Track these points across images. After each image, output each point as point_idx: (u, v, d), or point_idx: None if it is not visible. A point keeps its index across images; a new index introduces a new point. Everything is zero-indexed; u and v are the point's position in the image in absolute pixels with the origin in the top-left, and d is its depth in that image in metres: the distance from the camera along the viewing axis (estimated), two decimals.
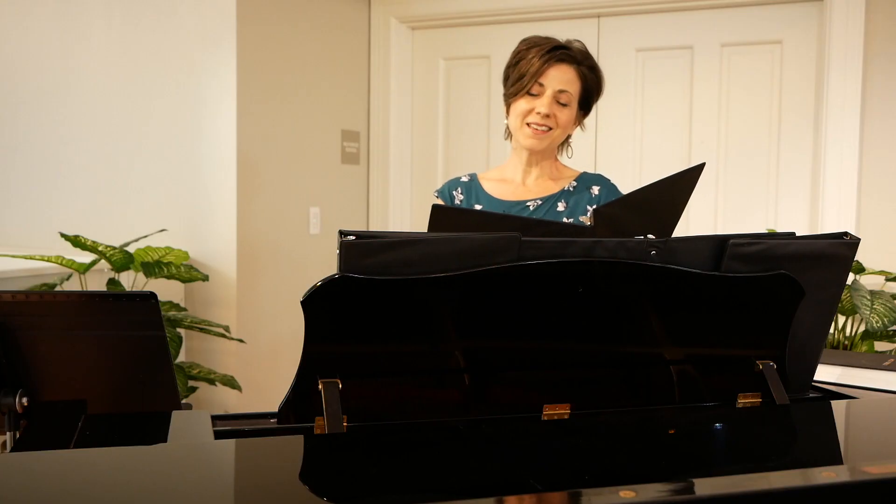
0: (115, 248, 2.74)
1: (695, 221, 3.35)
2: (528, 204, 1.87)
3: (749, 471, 0.98)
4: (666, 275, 1.19)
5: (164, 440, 1.06)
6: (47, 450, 1.03)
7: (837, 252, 1.29)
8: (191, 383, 2.84)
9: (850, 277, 2.78)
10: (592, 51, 3.48)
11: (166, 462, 0.96)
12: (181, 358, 2.91)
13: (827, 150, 3.10)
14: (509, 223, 1.50)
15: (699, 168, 1.53)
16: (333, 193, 3.58)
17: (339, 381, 1.10)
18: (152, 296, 1.15)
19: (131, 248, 2.85)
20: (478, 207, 1.89)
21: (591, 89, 1.85)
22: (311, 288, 1.05)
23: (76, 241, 2.69)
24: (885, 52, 3.01)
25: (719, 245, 1.22)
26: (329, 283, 1.05)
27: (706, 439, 1.18)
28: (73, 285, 2.80)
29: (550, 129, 1.82)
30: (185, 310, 2.94)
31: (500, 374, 1.20)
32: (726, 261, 1.22)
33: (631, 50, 3.46)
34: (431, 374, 1.17)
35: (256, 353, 3.17)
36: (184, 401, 2.49)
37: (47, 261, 2.68)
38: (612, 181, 1.92)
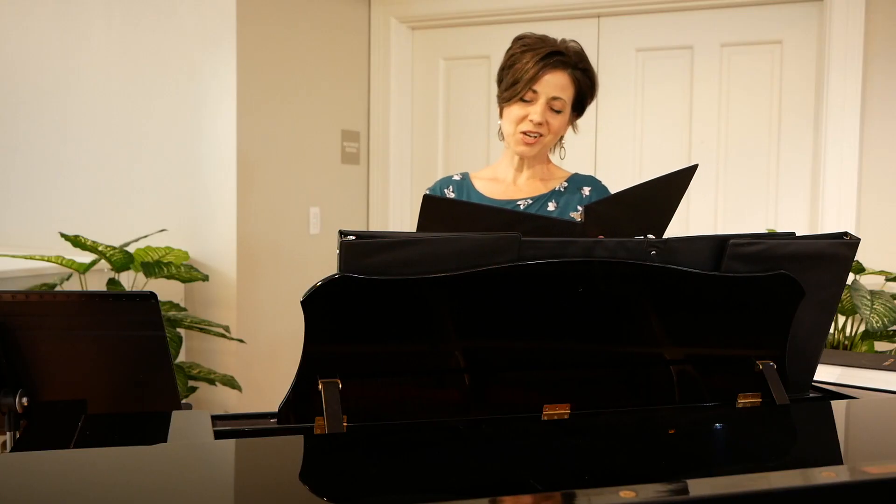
0: (115, 248, 2.74)
1: (695, 221, 3.36)
2: (519, 203, 1.88)
3: (749, 471, 0.98)
4: (666, 275, 1.19)
5: (164, 440, 1.06)
6: (47, 450, 1.03)
7: (837, 252, 1.29)
8: (191, 383, 2.85)
9: (850, 277, 2.78)
10: (592, 51, 3.49)
11: (166, 462, 0.96)
12: (181, 358, 2.91)
13: (827, 150, 3.10)
14: (500, 216, 1.50)
15: (692, 169, 1.53)
16: (333, 193, 3.58)
17: (339, 381, 1.10)
18: (152, 296, 1.15)
19: (131, 248, 2.85)
20: None
21: (584, 93, 1.85)
22: (311, 288, 1.05)
23: (76, 241, 2.69)
24: (885, 52, 3.01)
25: (719, 245, 1.22)
26: (329, 283, 1.05)
27: (706, 439, 1.18)
28: (73, 285, 2.80)
29: (542, 135, 1.82)
30: (185, 310, 2.94)
31: (500, 374, 1.20)
32: (726, 261, 1.22)
33: (631, 50, 3.46)
34: (431, 374, 1.17)
35: (256, 353, 3.17)
36: (184, 401, 2.49)
37: (47, 261, 2.69)
38: (604, 182, 1.92)
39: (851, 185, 3.06)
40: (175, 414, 1.17)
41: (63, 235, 2.70)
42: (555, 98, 1.80)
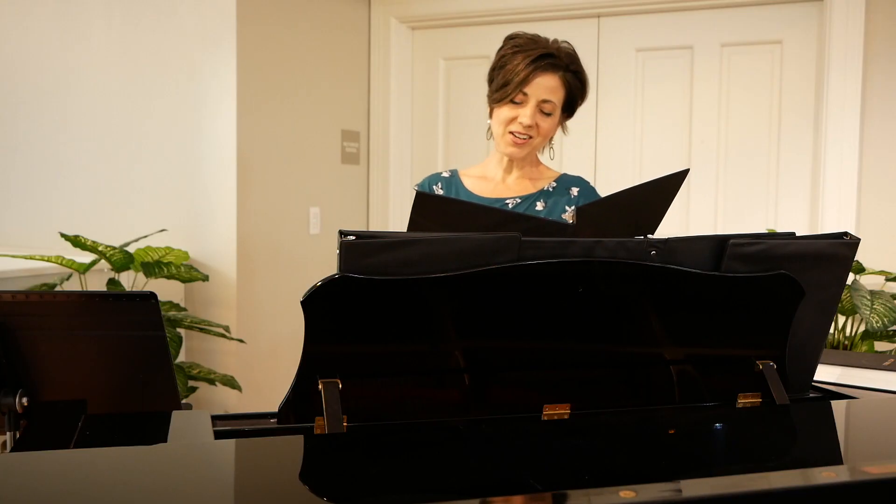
0: (115, 248, 2.74)
1: (695, 221, 3.36)
2: (508, 202, 1.88)
3: (749, 471, 0.98)
4: (666, 275, 1.19)
5: (164, 440, 1.06)
6: (47, 450, 1.03)
7: (837, 252, 1.29)
8: (191, 383, 2.85)
9: (850, 277, 2.78)
10: (592, 51, 3.49)
11: (166, 462, 0.96)
12: (181, 358, 2.91)
13: (827, 150, 3.10)
14: (492, 215, 1.50)
15: (683, 174, 1.53)
16: (333, 193, 3.58)
17: (339, 381, 1.10)
18: (152, 296, 1.15)
19: (131, 248, 2.85)
20: None
21: (574, 95, 1.85)
22: (311, 288, 1.05)
23: (76, 241, 2.69)
24: (885, 52, 3.01)
25: (719, 245, 1.22)
26: (329, 283, 1.05)
27: (706, 439, 1.18)
28: (73, 285, 2.80)
29: (532, 137, 1.83)
30: (185, 310, 2.94)
31: (500, 374, 1.20)
32: (726, 261, 1.22)
33: (631, 50, 3.46)
34: (431, 374, 1.17)
35: (256, 353, 3.17)
36: (184, 401, 2.49)
37: (47, 261, 2.69)
38: (601, 183, 1.93)
39: (851, 185, 3.06)
40: (175, 414, 1.17)
41: (63, 235, 2.70)
42: (545, 101, 1.80)
